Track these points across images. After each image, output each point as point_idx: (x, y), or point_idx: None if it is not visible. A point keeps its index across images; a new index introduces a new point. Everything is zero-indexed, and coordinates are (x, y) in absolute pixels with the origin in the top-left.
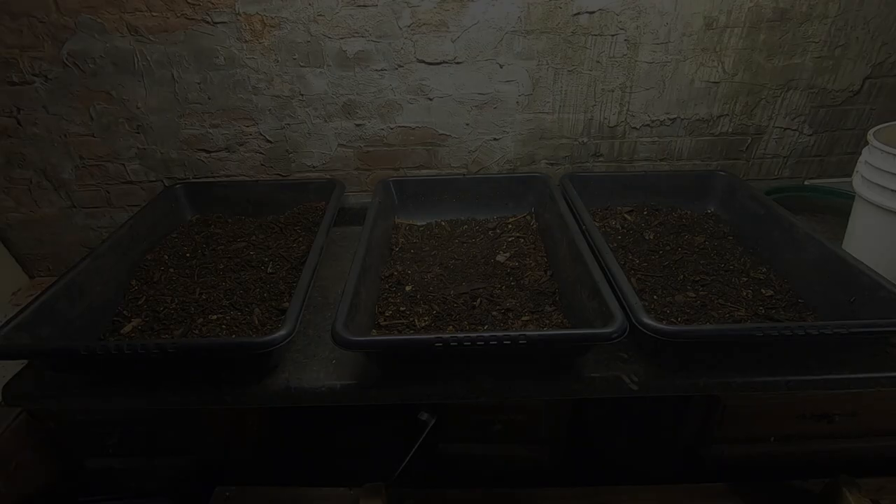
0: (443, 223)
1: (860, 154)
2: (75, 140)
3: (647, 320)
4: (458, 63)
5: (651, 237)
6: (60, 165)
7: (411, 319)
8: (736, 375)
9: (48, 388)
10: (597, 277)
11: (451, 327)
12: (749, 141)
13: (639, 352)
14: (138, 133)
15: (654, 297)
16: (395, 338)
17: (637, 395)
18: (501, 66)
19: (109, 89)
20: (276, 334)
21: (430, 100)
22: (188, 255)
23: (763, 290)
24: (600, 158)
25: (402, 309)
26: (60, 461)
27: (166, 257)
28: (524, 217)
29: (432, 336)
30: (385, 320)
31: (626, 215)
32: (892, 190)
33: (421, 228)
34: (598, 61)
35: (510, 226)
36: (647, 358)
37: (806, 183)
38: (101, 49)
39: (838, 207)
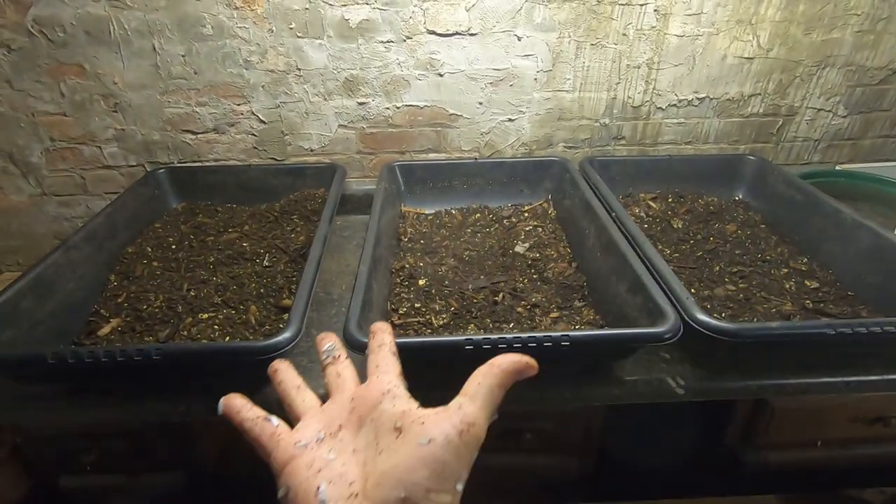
0: (453, 211)
1: None
2: (45, 119)
3: (702, 317)
4: (472, 35)
5: (679, 226)
6: (28, 148)
7: (428, 317)
8: (791, 376)
9: (10, 399)
10: (638, 270)
11: (472, 326)
12: (780, 123)
13: (682, 352)
14: (116, 112)
15: (692, 290)
16: (420, 340)
17: (683, 400)
18: (519, 39)
19: (82, 62)
20: (281, 337)
21: (441, 76)
22: (174, 246)
23: (807, 282)
24: (622, 141)
25: (416, 306)
26: (30, 480)
27: (149, 249)
28: (541, 204)
29: (461, 338)
30: (399, 318)
31: (650, 202)
32: None
33: (430, 217)
34: (624, 34)
35: (526, 214)
36: (693, 358)
37: (837, 168)
38: (71, 15)
39: (872, 194)
